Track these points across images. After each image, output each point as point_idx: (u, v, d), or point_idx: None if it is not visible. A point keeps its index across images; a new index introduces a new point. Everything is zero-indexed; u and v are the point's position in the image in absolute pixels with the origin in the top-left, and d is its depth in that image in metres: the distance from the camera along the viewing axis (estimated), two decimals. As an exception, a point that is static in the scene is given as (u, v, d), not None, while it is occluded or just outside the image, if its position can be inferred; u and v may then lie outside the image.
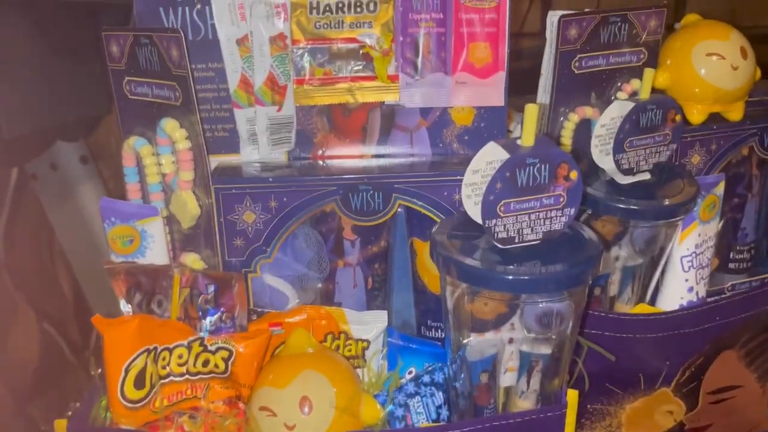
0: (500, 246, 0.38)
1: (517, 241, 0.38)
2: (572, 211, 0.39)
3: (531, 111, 0.37)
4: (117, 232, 0.45)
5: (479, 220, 0.38)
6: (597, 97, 0.55)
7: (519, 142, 0.38)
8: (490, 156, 0.38)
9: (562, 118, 0.54)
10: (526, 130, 0.37)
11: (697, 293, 0.54)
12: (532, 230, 0.38)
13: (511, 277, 0.36)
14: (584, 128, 0.54)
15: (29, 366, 1.31)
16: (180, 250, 0.47)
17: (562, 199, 0.38)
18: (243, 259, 0.45)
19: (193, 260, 0.46)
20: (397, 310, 0.49)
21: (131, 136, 0.46)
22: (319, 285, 0.47)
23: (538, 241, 0.39)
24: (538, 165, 0.37)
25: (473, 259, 0.37)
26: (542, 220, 0.38)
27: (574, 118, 0.53)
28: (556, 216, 0.38)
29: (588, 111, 0.53)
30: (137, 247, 0.45)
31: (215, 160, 0.47)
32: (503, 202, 0.37)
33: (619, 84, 0.55)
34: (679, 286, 0.53)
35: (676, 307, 0.53)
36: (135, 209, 0.45)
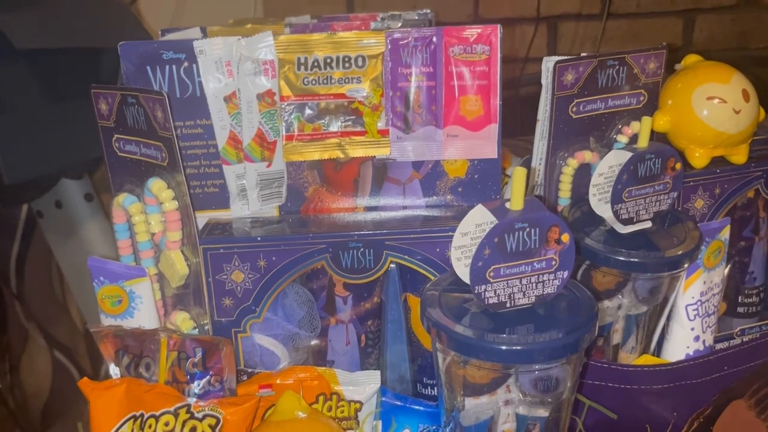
0: (491, 310, 0.37)
1: (508, 306, 0.37)
2: (565, 274, 0.37)
3: (519, 174, 0.35)
4: (105, 292, 0.44)
5: (469, 282, 0.37)
6: (596, 140, 0.53)
7: (508, 205, 0.36)
8: (479, 218, 0.37)
9: (561, 163, 0.53)
10: (515, 194, 0.36)
11: (703, 342, 0.52)
12: (524, 294, 0.37)
13: (503, 347, 0.35)
14: (584, 173, 0.53)
15: (41, 393, 1.31)
16: (171, 307, 0.46)
17: (554, 263, 0.37)
18: (232, 319, 0.44)
19: (183, 319, 0.45)
20: (392, 364, 0.48)
21: (120, 194, 0.45)
22: (312, 342, 0.47)
23: (531, 305, 0.38)
24: (528, 229, 0.36)
25: (463, 326, 0.36)
26: (534, 284, 0.37)
27: (573, 163, 0.52)
28: (549, 280, 0.37)
29: (587, 155, 0.52)
30: (125, 308, 0.44)
31: (205, 216, 0.47)
32: (492, 267, 0.36)
33: (619, 126, 0.54)
34: (685, 335, 0.51)
35: (683, 357, 0.51)
36: (123, 269, 0.44)
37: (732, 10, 1.24)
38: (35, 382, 1.28)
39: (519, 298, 0.37)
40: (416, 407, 0.44)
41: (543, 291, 0.37)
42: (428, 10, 0.77)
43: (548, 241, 0.36)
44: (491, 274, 0.36)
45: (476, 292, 0.36)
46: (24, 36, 0.63)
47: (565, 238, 0.36)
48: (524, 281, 0.37)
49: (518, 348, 0.35)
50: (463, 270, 0.38)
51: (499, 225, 0.35)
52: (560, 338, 0.36)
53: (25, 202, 0.98)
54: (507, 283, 0.36)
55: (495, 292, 0.36)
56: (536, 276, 0.37)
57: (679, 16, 1.24)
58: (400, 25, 0.62)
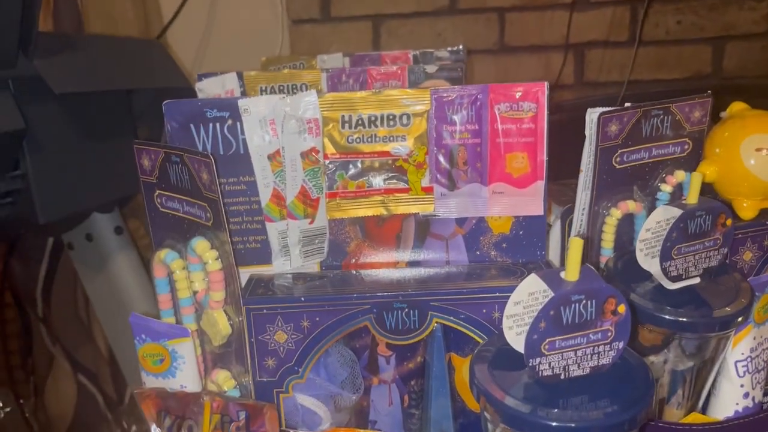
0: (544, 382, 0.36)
1: (562, 377, 0.36)
2: (621, 344, 0.36)
3: (575, 244, 0.35)
4: (147, 350, 0.44)
5: (521, 351, 0.36)
6: (640, 189, 0.52)
7: (562, 274, 0.36)
8: (532, 287, 0.36)
9: (604, 213, 0.52)
10: (571, 265, 0.35)
11: (753, 398, 0.50)
12: (578, 366, 0.36)
13: (554, 424, 0.34)
14: (627, 222, 0.52)
15: (65, 417, 1.32)
16: (211, 365, 0.46)
17: (610, 334, 0.36)
18: (275, 379, 0.44)
19: (224, 378, 0.45)
20: (434, 420, 0.47)
21: (162, 250, 0.45)
22: (353, 401, 0.46)
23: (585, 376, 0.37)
24: (584, 301, 0.35)
25: (514, 398, 0.35)
26: (589, 356, 0.36)
27: (617, 213, 0.51)
28: (604, 351, 0.36)
29: (631, 205, 0.51)
30: (168, 367, 0.44)
31: (247, 271, 0.46)
32: (548, 340, 0.35)
33: (663, 176, 0.53)
34: (734, 392, 0.50)
35: (731, 413, 0.50)
36: (165, 328, 0.44)
37: (762, 37, 1.22)
38: (59, 405, 1.29)
39: (573, 370, 0.36)
40: (461, 471, 0.43)
41: (598, 362, 0.36)
42: (460, 47, 0.76)
43: (604, 312, 0.35)
44: (546, 347, 0.35)
45: (530, 364, 0.35)
46: (63, 81, 0.64)
47: (622, 309, 0.35)
48: (579, 353, 0.36)
49: (572, 425, 0.34)
50: (514, 338, 0.37)
51: (556, 298, 0.34)
52: (617, 413, 0.35)
53: (56, 235, 0.99)
54: (562, 356, 0.35)
55: (549, 365, 0.36)
56: (592, 347, 0.36)
57: (708, 44, 1.23)
58: (437, 69, 0.62)
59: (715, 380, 0.50)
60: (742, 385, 0.50)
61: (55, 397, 1.30)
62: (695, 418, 0.49)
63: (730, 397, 0.50)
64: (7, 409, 1.14)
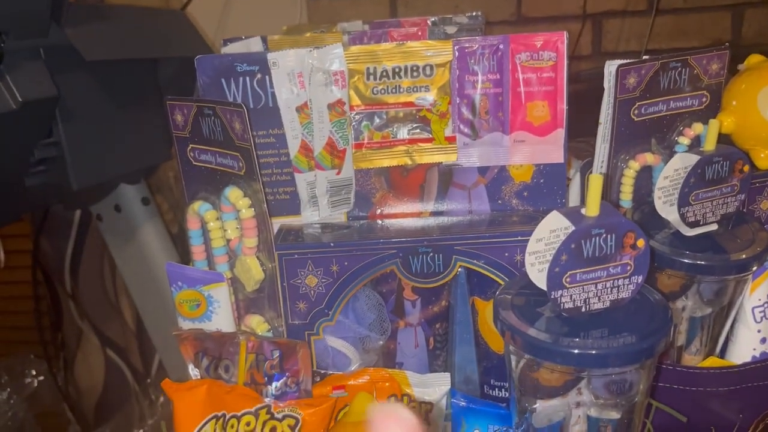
0: (566, 315, 0.38)
1: (583, 310, 0.38)
2: (640, 278, 0.38)
3: (595, 181, 0.36)
4: (184, 296, 0.46)
5: (544, 287, 0.38)
6: (658, 142, 0.53)
7: (583, 210, 0.37)
8: (554, 224, 0.37)
9: (622, 165, 0.53)
10: (591, 200, 0.36)
11: (770, 344, 0.52)
12: (599, 299, 0.38)
13: (577, 351, 0.35)
14: (645, 175, 0.53)
15: (95, 390, 1.35)
16: (244, 311, 0.48)
17: (629, 268, 0.37)
18: (306, 322, 0.46)
19: (257, 322, 0.47)
20: (459, 366, 0.49)
21: (196, 201, 0.47)
22: (380, 343, 0.48)
23: (605, 309, 0.38)
24: (604, 235, 0.36)
25: (538, 330, 0.37)
26: (609, 289, 0.38)
27: (635, 165, 0.52)
28: (624, 284, 0.38)
29: (649, 158, 0.52)
30: (204, 312, 0.46)
31: (277, 222, 0.48)
32: (569, 273, 0.37)
33: (680, 128, 0.53)
34: (751, 338, 0.51)
35: (749, 359, 0.51)
36: (201, 275, 0.46)
37: (783, 3, 1.21)
38: (89, 378, 1.33)
39: (594, 303, 0.38)
40: (485, 409, 0.45)
41: (618, 295, 0.38)
42: (479, 13, 0.77)
43: (624, 246, 0.37)
44: (568, 279, 0.37)
45: (552, 297, 0.37)
46: (92, 49, 0.66)
47: (641, 243, 0.37)
48: (600, 286, 0.37)
49: (593, 352, 0.36)
50: (537, 275, 0.38)
51: (577, 231, 0.36)
52: (635, 343, 0.36)
53: (86, 206, 1.01)
54: (583, 289, 0.37)
55: (571, 297, 0.37)
56: (611, 281, 0.37)
57: (727, 11, 1.22)
58: (456, 30, 0.63)
59: (732, 326, 0.52)
60: (759, 331, 0.51)
61: (85, 370, 1.34)
62: (713, 362, 0.51)
63: (748, 342, 0.51)
64: (41, 378, 1.18)
